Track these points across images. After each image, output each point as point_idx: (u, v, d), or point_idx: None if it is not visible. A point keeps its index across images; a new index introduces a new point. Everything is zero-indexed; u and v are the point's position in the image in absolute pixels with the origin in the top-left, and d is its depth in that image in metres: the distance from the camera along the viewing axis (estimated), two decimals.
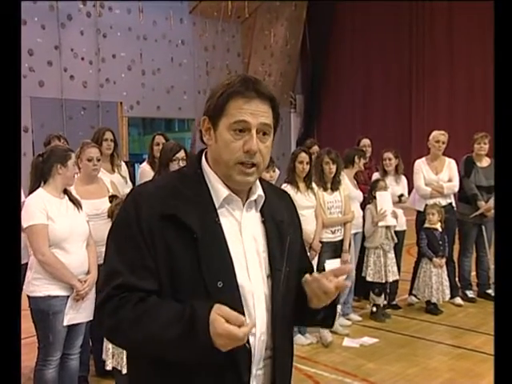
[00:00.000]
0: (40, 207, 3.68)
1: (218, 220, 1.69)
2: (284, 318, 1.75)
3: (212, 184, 1.74)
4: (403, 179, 6.71)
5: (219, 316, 1.51)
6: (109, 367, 3.92)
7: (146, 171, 5.43)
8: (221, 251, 1.66)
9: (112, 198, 4.40)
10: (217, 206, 1.71)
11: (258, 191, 1.79)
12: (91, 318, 4.01)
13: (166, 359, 1.62)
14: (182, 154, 4.70)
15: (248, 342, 1.61)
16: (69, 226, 3.75)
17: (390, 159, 6.58)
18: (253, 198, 1.77)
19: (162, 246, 1.62)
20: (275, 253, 1.76)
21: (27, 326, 3.94)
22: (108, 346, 3.93)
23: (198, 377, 1.63)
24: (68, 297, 3.75)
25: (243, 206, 1.76)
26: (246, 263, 1.70)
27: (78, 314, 3.81)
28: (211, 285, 1.61)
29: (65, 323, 3.74)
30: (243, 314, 1.60)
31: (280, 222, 1.81)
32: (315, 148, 6.79)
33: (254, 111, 1.68)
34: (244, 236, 1.73)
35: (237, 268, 1.67)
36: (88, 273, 3.87)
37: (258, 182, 1.80)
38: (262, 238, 1.77)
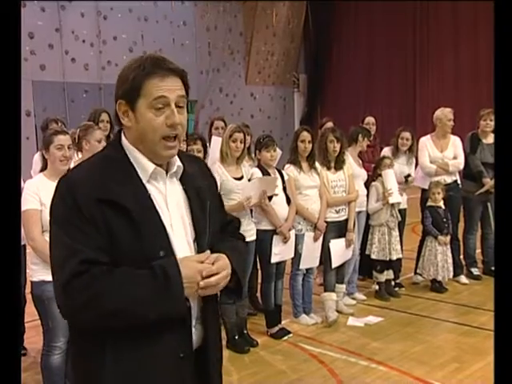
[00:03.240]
0: (32, 192, 3.64)
1: (149, 194, 1.82)
2: None
3: (137, 162, 1.85)
4: (414, 161, 6.64)
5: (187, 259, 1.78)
6: None
7: None
8: (156, 224, 1.79)
9: None
10: (144, 182, 1.84)
11: (177, 162, 1.92)
12: None
13: (130, 326, 1.73)
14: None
15: (188, 300, 1.79)
16: None
17: (407, 139, 6.50)
18: (173, 170, 1.90)
19: (103, 227, 1.72)
20: (199, 217, 1.91)
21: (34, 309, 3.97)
22: None
23: (148, 338, 1.76)
24: None
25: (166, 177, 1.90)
26: (172, 231, 1.83)
27: None
28: (153, 255, 1.75)
29: None
30: None
31: (199, 188, 1.95)
32: (329, 124, 6.76)
33: (170, 86, 1.82)
34: (169, 206, 1.87)
35: (171, 237, 1.82)
36: None
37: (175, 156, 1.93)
38: (186, 205, 1.91)
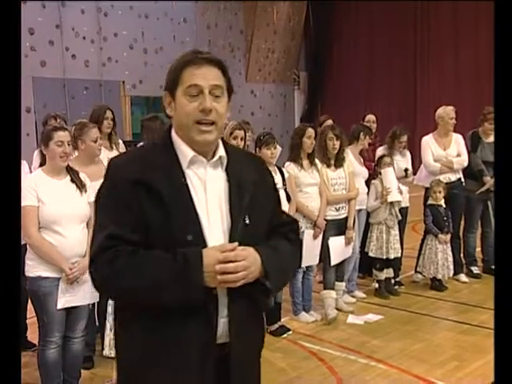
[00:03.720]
0: (29, 188, 3.60)
1: (185, 180, 1.90)
2: None
3: (179, 149, 1.94)
4: (407, 153, 6.71)
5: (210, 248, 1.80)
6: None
7: None
8: (187, 208, 1.86)
9: None
10: (184, 168, 1.92)
11: (221, 152, 1.98)
12: (90, 302, 3.98)
13: (151, 306, 1.82)
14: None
15: (215, 287, 1.84)
16: (62, 208, 3.64)
17: (405, 141, 6.56)
18: (215, 158, 1.96)
19: (136, 208, 1.83)
20: (235, 207, 1.93)
21: None
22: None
23: (172, 322, 1.83)
24: (60, 279, 3.67)
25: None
26: (207, 217, 1.89)
27: (75, 297, 3.74)
28: (181, 239, 1.82)
29: (59, 306, 3.68)
30: None
31: (243, 181, 1.98)
32: (329, 122, 6.75)
33: (205, 75, 1.89)
34: (208, 193, 1.92)
35: (202, 223, 1.87)
36: (84, 256, 3.77)
37: (220, 145, 2.00)
38: (226, 195, 1.95)
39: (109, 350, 3.90)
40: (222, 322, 1.89)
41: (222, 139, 2.04)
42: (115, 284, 1.81)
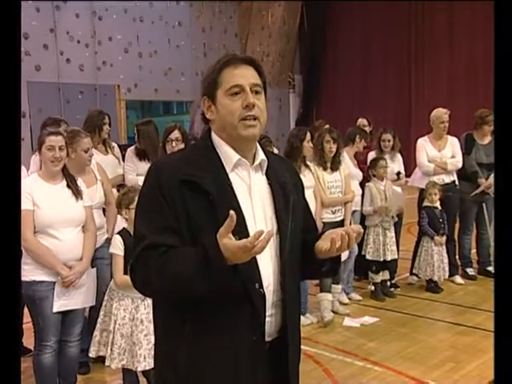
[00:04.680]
0: (25, 192, 3.59)
1: (230, 182, 1.90)
2: (291, 270, 1.96)
3: (222, 151, 1.94)
4: (399, 157, 6.73)
5: (222, 235, 1.70)
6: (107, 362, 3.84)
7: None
8: (233, 208, 1.79)
9: (119, 187, 4.35)
10: (228, 171, 1.92)
11: (261, 156, 1.99)
12: (85, 305, 3.98)
13: (190, 302, 1.82)
14: (175, 134, 4.87)
15: (262, 287, 1.86)
16: (57, 212, 3.65)
17: (389, 140, 6.58)
18: (257, 162, 1.98)
19: (181, 208, 1.83)
20: (281, 210, 1.95)
21: None
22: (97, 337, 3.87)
23: (219, 320, 1.85)
24: (55, 282, 3.67)
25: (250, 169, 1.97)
26: (254, 219, 1.90)
27: (70, 300, 3.75)
28: None
29: (54, 310, 3.68)
30: (256, 263, 1.85)
31: (284, 183, 2.01)
32: (326, 126, 6.79)
33: (244, 74, 1.93)
34: (253, 196, 1.94)
35: (248, 224, 1.87)
36: (81, 259, 3.80)
37: (259, 149, 2.00)
38: (269, 198, 1.97)
39: (92, 348, 3.89)
40: (270, 321, 1.93)
41: (259, 142, 2.05)
42: (149, 282, 1.83)
